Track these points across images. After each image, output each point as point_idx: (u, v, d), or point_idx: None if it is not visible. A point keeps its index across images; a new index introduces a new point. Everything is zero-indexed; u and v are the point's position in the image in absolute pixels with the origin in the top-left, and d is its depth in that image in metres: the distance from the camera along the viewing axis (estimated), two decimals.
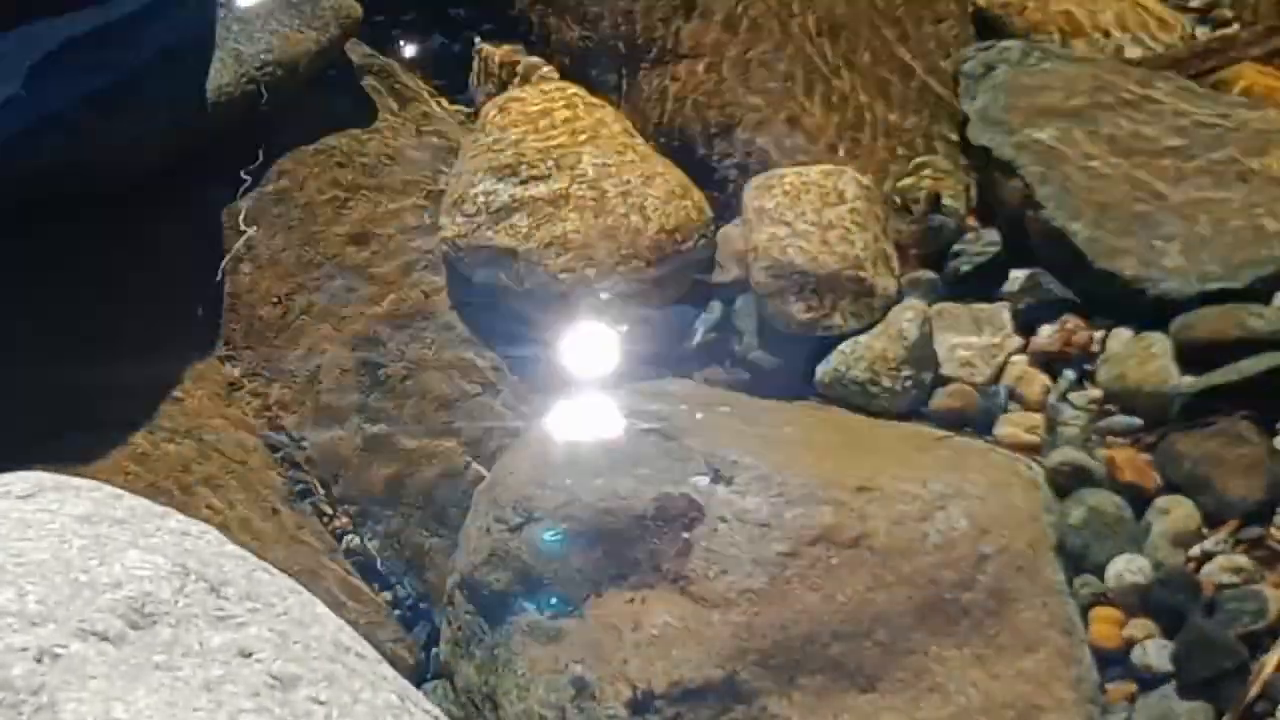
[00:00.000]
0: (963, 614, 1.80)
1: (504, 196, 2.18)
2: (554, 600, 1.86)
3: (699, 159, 2.28)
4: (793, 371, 2.08)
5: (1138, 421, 1.96)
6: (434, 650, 2.02)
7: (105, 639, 1.28)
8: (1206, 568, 1.84)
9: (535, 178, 2.19)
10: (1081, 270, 2.04)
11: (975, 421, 2.03)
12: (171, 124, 2.24)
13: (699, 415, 1.99)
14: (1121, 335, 2.02)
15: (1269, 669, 1.76)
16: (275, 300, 2.21)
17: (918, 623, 1.80)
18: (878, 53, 2.32)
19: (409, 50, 2.44)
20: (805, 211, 2.11)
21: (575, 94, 2.31)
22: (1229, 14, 2.32)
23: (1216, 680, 1.78)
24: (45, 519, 1.41)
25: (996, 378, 2.05)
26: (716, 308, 2.16)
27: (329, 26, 2.33)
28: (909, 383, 2.03)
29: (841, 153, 2.25)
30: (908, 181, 2.23)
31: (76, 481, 1.51)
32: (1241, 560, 1.84)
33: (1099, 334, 2.04)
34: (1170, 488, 1.91)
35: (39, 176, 2.16)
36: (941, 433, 2.01)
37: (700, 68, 2.32)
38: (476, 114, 2.37)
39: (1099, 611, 1.86)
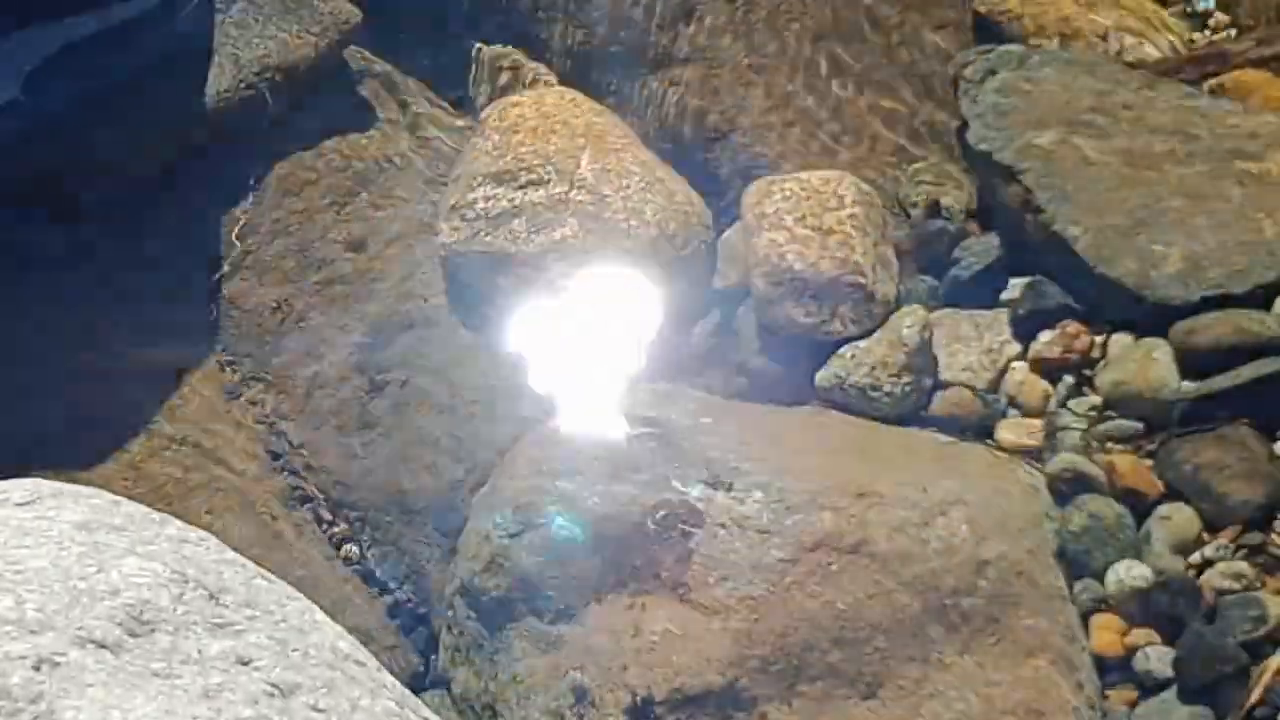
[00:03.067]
0: (963, 620, 1.80)
1: (503, 201, 2.18)
2: (553, 607, 1.86)
3: (698, 163, 2.28)
4: (792, 377, 2.08)
5: (1138, 427, 1.96)
6: (433, 657, 2.01)
7: (104, 647, 1.28)
8: (1207, 574, 1.84)
9: (534, 183, 2.19)
10: (1082, 275, 2.04)
11: (975, 427, 2.03)
12: (170, 128, 2.24)
13: (698, 421, 1.99)
14: (1122, 341, 2.02)
15: (1269, 675, 1.76)
16: (274, 306, 2.21)
17: (918, 629, 1.79)
18: (877, 58, 2.32)
19: (408, 55, 2.43)
20: (805, 217, 2.11)
21: (575, 99, 2.30)
22: (1226, 19, 2.32)
23: (1217, 686, 1.78)
24: (43, 526, 1.40)
25: (996, 383, 2.05)
26: (716, 313, 2.16)
27: (328, 32, 2.33)
28: (909, 388, 2.03)
29: (841, 158, 2.24)
30: (907, 187, 2.23)
31: (74, 488, 1.50)
32: (1242, 566, 1.84)
33: (1099, 339, 2.03)
34: (1171, 494, 1.91)
35: (38, 179, 2.16)
36: (942, 438, 2.01)
37: (699, 73, 2.32)
38: (476, 119, 2.36)
39: (1100, 618, 1.86)
